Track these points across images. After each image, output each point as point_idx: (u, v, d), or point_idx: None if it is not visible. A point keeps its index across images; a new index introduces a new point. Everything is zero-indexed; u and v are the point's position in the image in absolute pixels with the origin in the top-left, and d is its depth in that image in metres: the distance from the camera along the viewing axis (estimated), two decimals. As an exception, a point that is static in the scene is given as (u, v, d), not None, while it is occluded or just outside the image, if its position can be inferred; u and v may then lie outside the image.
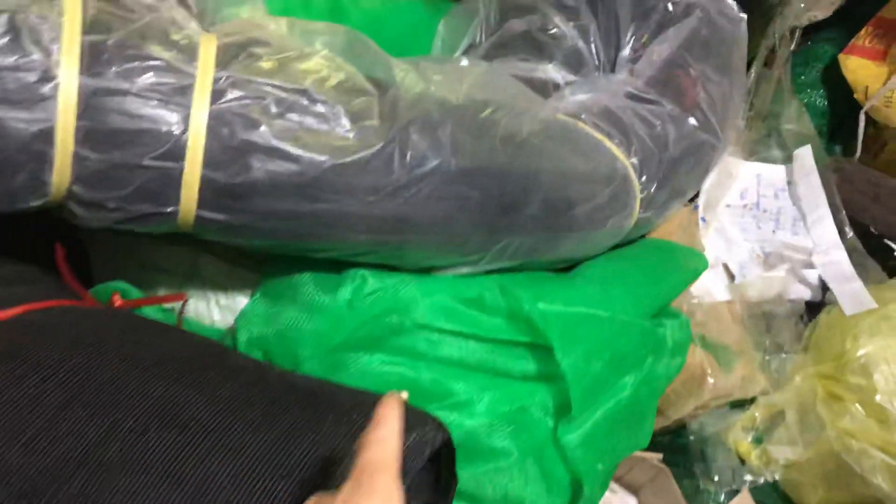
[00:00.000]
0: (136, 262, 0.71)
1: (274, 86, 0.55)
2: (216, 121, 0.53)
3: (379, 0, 0.89)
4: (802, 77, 1.03)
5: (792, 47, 0.94)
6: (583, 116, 0.73)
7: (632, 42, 0.85)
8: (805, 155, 0.91)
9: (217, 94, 0.54)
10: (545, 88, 0.79)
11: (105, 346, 0.46)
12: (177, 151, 0.53)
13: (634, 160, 0.72)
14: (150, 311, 0.66)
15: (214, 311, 0.69)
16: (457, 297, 0.62)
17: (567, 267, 0.73)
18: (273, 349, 0.63)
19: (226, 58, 0.55)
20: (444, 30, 0.89)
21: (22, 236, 0.64)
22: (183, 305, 0.68)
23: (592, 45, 0.83)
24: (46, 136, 0.50)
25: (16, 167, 0.50)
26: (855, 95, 0.95)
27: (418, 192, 0.58)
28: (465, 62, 0.67)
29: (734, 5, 0.86)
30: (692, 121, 0.78)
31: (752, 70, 0.93)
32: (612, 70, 0.85)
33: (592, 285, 0.68)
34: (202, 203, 0.55)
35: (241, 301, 0.70)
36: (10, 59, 0.49)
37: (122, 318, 0.52)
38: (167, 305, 0.67)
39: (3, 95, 0.48)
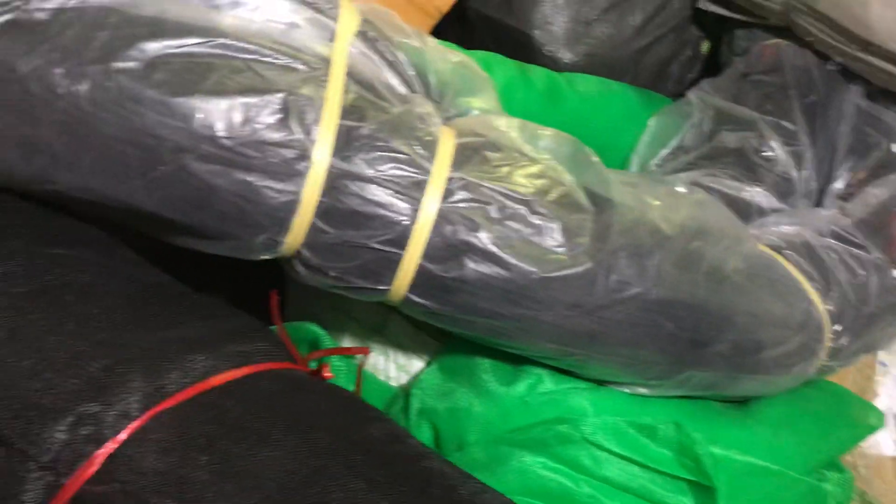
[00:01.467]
0: (329, 303, 0.75)
1: (500, 193, 0.57)
2: (442, 218, 0.56)
3: (595, 86, 0.90)
4: None
5: None
6: (785, 251, 0.72)
7: (845, 176, 0.83)
8: None
9: (448, 193, 0.56)
10: (748, 211, 0.78)
11: (315, 433, 0.50)
12: (401, 240, 0.56)
13: (831, 307, 0.71)
14: (333, 359, 0.70)
15: (391, 367, 0.73)
16: (629, 419, 0.63)
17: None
18: (441, 425, 0.66)
19: (461, 159, 0.58)
20: (654, 126, 0.89)
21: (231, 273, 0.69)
22: (365, 358, 0.71)
23: (805, 173, 0.82)
24: (291, 207, 0.54)
25: (259, 229, 0.55)
26: None
27: (614, 315, 0.59)
28: (682, 188, 0.67)
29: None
30: (898, 274, 0.75)
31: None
32: (819, 200, 0.83)
33: (764, 429, 0.67)
34: (413, 288, 0.58)
35: (417, 364, 0.73)
36: (277, 136, 0.53)
37: (332, 399, 0.56)
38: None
39: (265, 167, 0.53)
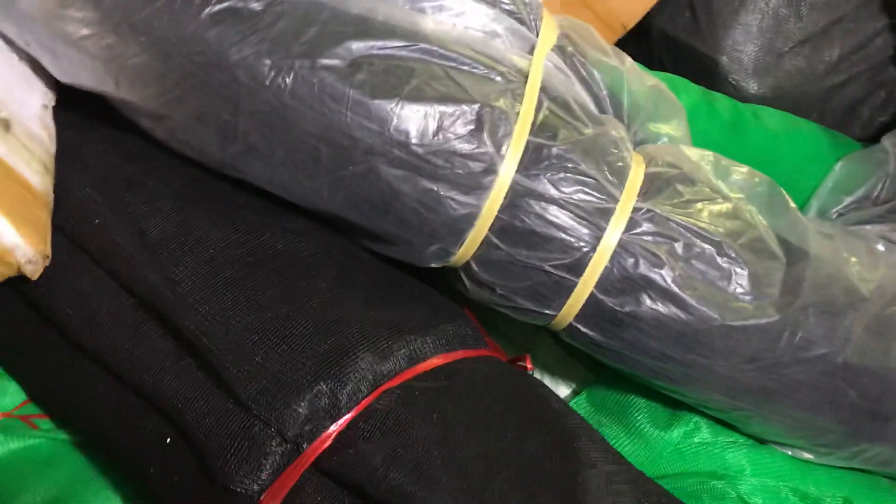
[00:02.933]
0: (476, 313, 0.74)
1: (689, 229, 0.54)
2: (624, 249, 0.54)
3: (782, 121, 0.85)
4: None
5: None
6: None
7: None
8: None
9: (632, 224, 0.54)
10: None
11: (540, 414, 0.50)
12: (578, 267, 0.54)
13: None
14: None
15: (535, 391, 0.71)
16: (791, 485, 0.59)
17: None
18: (586, 459, 0.63)
19: (650, 189, 0.55)
20: (840, 171, 0.83)
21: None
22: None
23: None
24: (470, 219, 0.53)
25: (436, 238, 0.54)
26: None
27: (794, 375, 0.55)
28: (881, 246, 0.62)
29: None
30: None
31: None
32: None
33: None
34: (580, 317, 0.56)
35: (563, 390, 0.71)
36: (468, 148, 0.52)
37: (540, 388, 0.56)
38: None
39: (451, 177, 0.52)
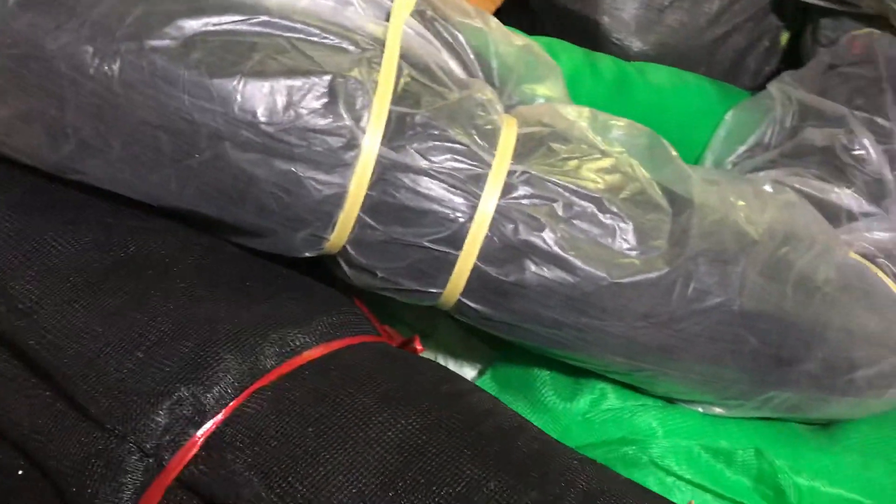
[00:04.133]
0: (374, 305, 0.71)
1: (567, 189, 0.52)
2: (502, 215, 0.51)
3: (667, 77, 0.84)
4: None
5: None
6: (879, 261, 0.65)
7: (947, 178, 0.75)
8: None
9: (508, 188, 0.51)
10: (837, 215, 0.71)
11: (420, 403, 0.46)
12: (456, 239, 0.51)
13: (931, 323, 0.63)
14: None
15: (440, 376, 0.68)
16: (703, 443, 0.57)
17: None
18: (494, 441, 0.60)
19: (524, 150, 0.53)
20: (731, 121, 0.82)
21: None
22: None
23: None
24: (337, 200, 0.50)
25: (302, 224, 0.50)
26: None
27: (691, 328, 0.53)
28: (768, 187, 0.61)
29: None
30: None
31: None
32: (916, 204, 0.76)
33: (854, 457, 0.60)
34: (467, 292, 0.53)
35: (468, 372, 0.68)
36: (323, 122, 0.48)
37: (429, 371, 0.52)
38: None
39: (309, 156, 0.48)
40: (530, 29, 0.91)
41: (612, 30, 0.87)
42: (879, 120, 0.76)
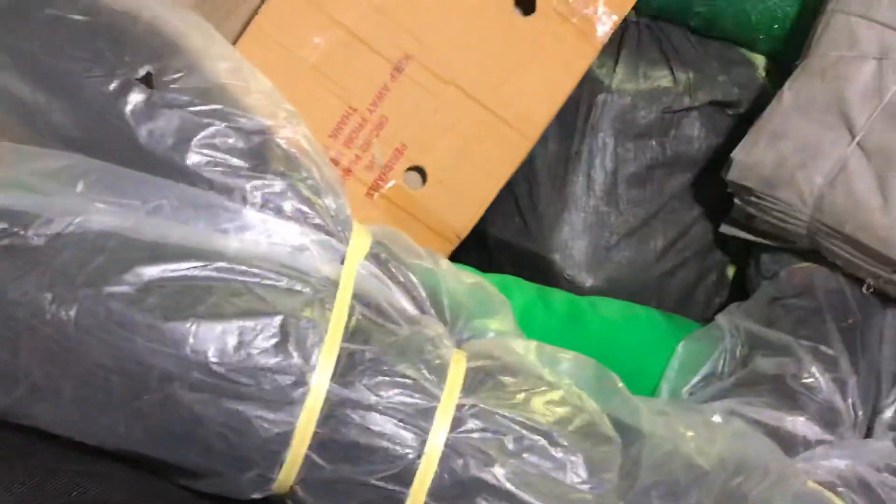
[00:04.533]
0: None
1: (517, 422, 0.53)
2: (452, 450, 0.51)
3: (618, 310, 0.87)
4: None
5: None
6: (839, 490, 0.65)
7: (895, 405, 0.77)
8: None
9: (458, 422, 0.52)
10: (793, 443, 0.71)
11: None
12: (406, 476, 0.51)
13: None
14: None
15: None
16: None
17: None
18: None
19: (473, 384, 0.54)
20: (683, 352, 0.85)
21: None
22: None
23: (850, 402, 0.75)
24: (285, 438, 0.50)
25: (249, 465, 0.50)
26: None
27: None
28: (717, 417, 0.62)
29: None
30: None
31: None
32: (869, 431, 0.77)
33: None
34: (419, 532, 0.51)
35: None
36: (273, 361, 0.50)
37: None
38: None
39: (258, 395, 0.49)
40: (488, 266, 0.96)
41: (564, 267, 0.92)
42: (824, 348, 0.78)
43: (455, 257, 0.99)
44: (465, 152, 0.88)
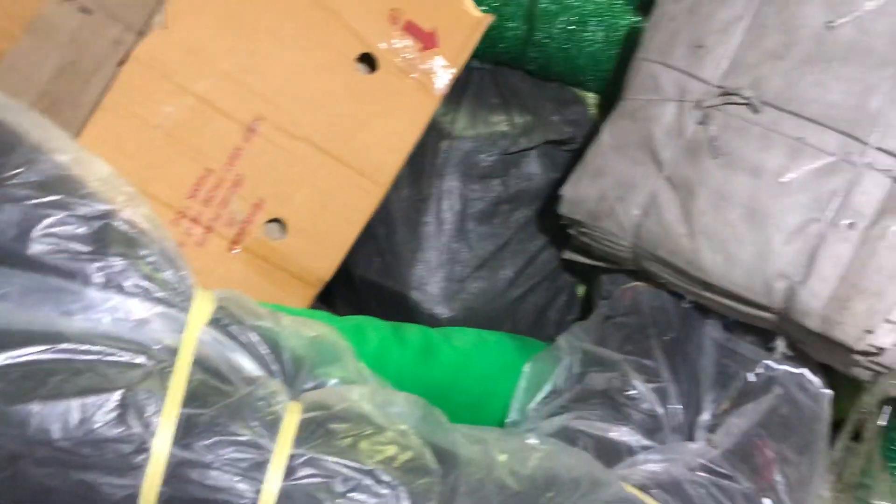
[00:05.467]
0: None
1: (344, 465, 0.59)
2: (285, 498, 0.57)
3: (471, 338, 0.95)
4: (898, 446, 1.00)
5: (883, 422, 0.92)
6: (652, 490, 0.73)
7: (710, 408, 0.86)
8: (898, 540, 0.86)
9: (290, 471, 0.58)
10: (618, 451, 0.80)
11: None
12: (245, 524, 0.57)
13: (701, 543, 0.71)
14: None
15: None
16: None
17: None
18: None
19: (304, 434, 0.60)
20: (528, 372, 0.93)
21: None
22: None
23: (671, 409, 0.85)
24: (131, 500, 0.55)
25: (100, 527, 0.55)
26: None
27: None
28: (533, 440, 0.70)
29: (817, 381, 0.87)
30: (767, 502, 0.77)
31: (840, 442, 0.91)
32: (690, 433, 0.86)
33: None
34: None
35: None
36: (114, 432, 0.55)
37: None
38: None
39: (103, 464, 0.55)
40: (357, 304, 1.03)
41: (421, 302, 0.99)
42: (647, 362, 0.88)
43: (327, 298, 1.06)
44: (322, 202, 0.95)
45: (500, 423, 0.92)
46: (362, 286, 1.04)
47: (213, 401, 0.59)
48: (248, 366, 0.65)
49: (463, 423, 0.73)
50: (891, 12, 0.79)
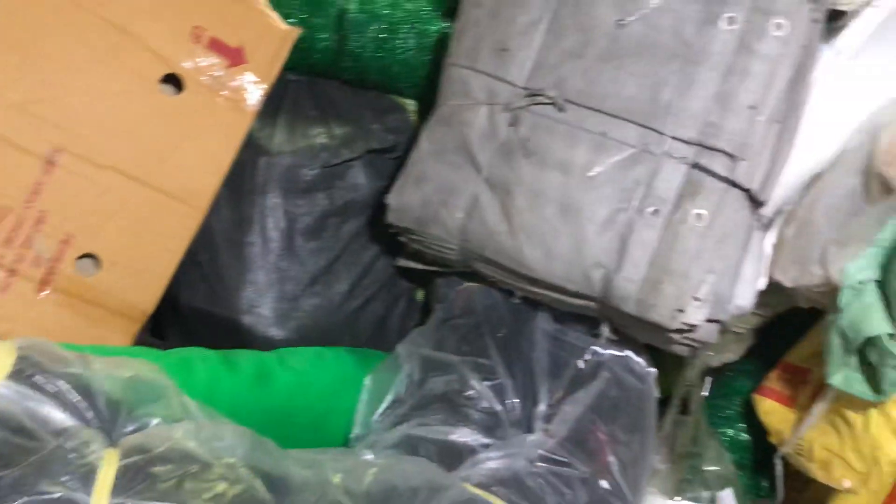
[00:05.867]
0: None
1: (168, 509, 0.57)
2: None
3: (307, 358, 0.93)
4: (725, 412, 1.07)
5: (706, 392, 0.98)
6: (493, 488, 0.75)
7: (546, 398, 0.89)
8: (726, 499, 0.92)
9: (110, 523, 0.55)
10: (461, 454, 0.81)
11: None
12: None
13: (543, 532, 0.73)
14: None
15: None
16: None
17: None
18: None
19: (123, 482, 0.57)
20: (369, 384, 0.92)
21: None
22: None
23: (509, 404, 0.87)
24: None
25: None
26: (770, 438, 0.98)
27: None
28: (369, 455, 0.69)
29: (642, 360, 0.92)
30: (604, 484, 0.80)
31: (669, 416, 0.96)
32: (529, 425, 0.88)
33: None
34: None
35: None
36: None
37: None
38: None
39: None
40: (188, 335, 0.99)
41: (253, 326, 0.97)
42: (483, 360, 0.89)
43: (156, 330, 1.02)
44: (136, 232, 0.91)
45: (346, 440, 0.91)
46: (190, 315, 1.00)
47: (17, 460, 0.55)
48: (58, 416, 0.61)
49: (307, 445, 0.72)
50: (673, 8, 0.84)
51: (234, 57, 0.93)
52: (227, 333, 0.97)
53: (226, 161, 0.94)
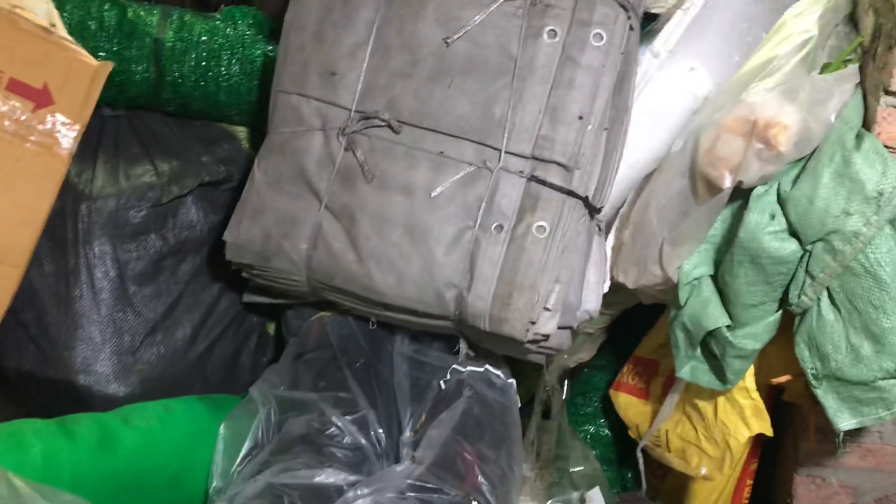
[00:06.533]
0: None
1: None
2: None
3: (153, 414, 0.87)
4: (584, 409, 1.09)
5: (565, 395, 1.00)
6: (365, 527, 0.73)
7: (411, 424, 0.88)
8: (595, 497, 0.94)
9: None
10: (329, 496, 0.78)
11: None
12: None
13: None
14: None
15: None
16: None
17: None
18: None
19: None
20: (225, 432, 0.88)
21: None
22: None
23: (373, 436, 0.85)
24: None
25: None
26: (630, 433, 1.01)
27: None
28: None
29: (501, 372, 0.92)
30: (476, 504, 0.79)
31: (532, 422, 0.97)
32: (397, 454, 0.87)
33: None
34: None
35: None
36: None
37: None
38: None
39: None
40: (22, 405, 0.91)
41: (91, 385, 0.90)
42: (342, 394, 0.87)
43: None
44: (-54, 299, 0.82)
45: (206, 495, 0.86)
46: (19, 381, 0.91)
47: None
48: None
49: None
50: (497, 24, 0.84)
51: (40, 98, 0.86)
52: (62, 397, 0.89)
53: (42, 212, 0.86)
